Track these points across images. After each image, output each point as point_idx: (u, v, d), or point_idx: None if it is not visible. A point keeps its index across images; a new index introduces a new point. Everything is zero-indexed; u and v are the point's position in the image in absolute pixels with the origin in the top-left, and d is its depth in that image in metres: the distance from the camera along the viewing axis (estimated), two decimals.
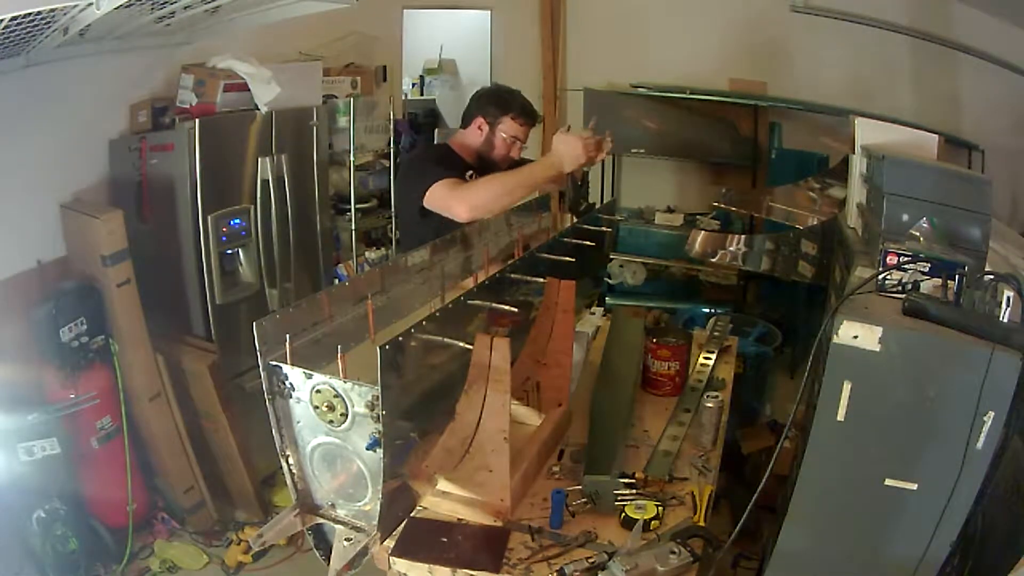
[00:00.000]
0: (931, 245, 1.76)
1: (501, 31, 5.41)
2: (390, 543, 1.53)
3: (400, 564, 1.51)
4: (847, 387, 1.53)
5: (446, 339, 1.46)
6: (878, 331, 1.47)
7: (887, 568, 1.60)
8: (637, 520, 1.56)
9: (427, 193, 2.19)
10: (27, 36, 2.27)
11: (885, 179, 2.01)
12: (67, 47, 2.53)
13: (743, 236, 3.57)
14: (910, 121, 3.36)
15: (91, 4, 2.10)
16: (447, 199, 2.16)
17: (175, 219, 3.00)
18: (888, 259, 1.64)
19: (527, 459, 1.71)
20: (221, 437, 3.09)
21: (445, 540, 1.55)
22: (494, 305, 1.61)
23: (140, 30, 2.77)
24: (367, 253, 4.07)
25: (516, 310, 1.65)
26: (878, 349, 1.48)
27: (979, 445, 1.43)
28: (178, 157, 2.92)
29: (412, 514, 1.60)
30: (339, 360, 1.32)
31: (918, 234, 1.82)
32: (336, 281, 3.66)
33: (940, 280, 1.59)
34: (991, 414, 1.41)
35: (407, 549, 1.52)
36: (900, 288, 1.60)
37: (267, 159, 3.19)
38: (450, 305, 1.52)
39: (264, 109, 3.17)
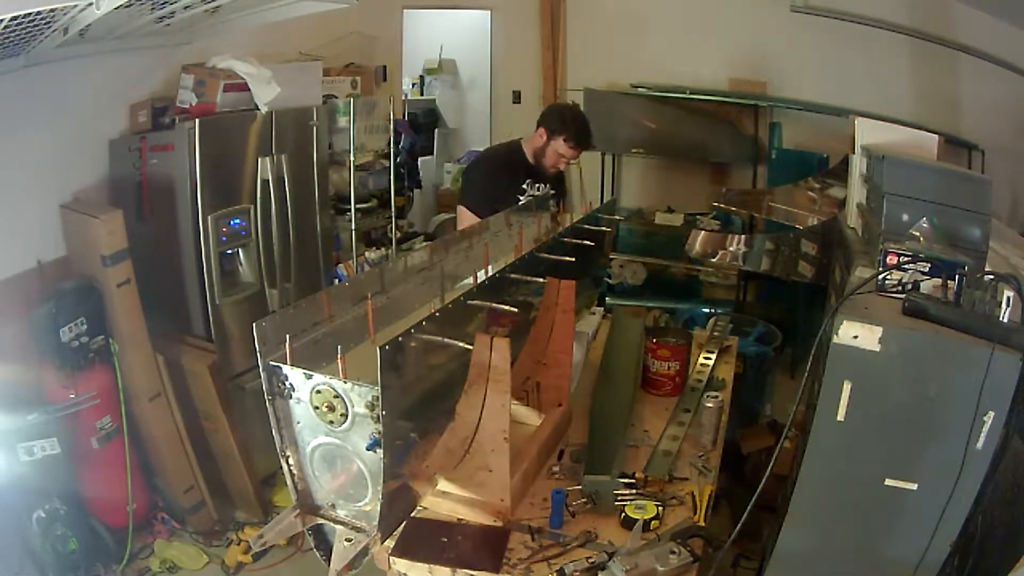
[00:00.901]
0: (931, 245, 1.76)
1: (501, 31, 5.41)
2: (390, 543, 1.53)
3: (400, 564, 1.52)
4: (847, 387, 1.53)
5: (446, 339, 1.46)
6: (878, 331, 1.47)
7: (887, 568, 1.59)
8: (637, 520, 1.56)
9: (457, 203, 2.87)
10: (27, 36, 2.27)
11: (885, 179, 2.01)
12: (67, 47, 2.53)
13: (743, 236, 3.56)
14: (910, 121, 3.36)
15: (91, 4, 2.10)
16: (458, 221, 2.82)
17: (175, 219, 3.00)
18: (888, 259, 1.64)
19: (527, 459, 1.71)
20: (221, 437, 3.09)
21: (445, 540, 1.55)
22: (494, 305, 1.61)
23: (140, 30, 2.76)
24: (367, 253, 4.06)
25: (516, 310, 1.65)
26: (878, 349, 1.48)
27: (979, 445, 1.43)
28: (178, 157, 2.91)
29: (412, 514, 1.60)
30: (339, 360, 1.32)
31: (918, 234, 1.82)
32: (336, 281, 3.66)
33: (940, 280, 1.59)
34: (991, 414, 1.41)
35: (407, 549, 1.53)
36: (900, 288, 1.60)
37: (267, 159, 3.19)
38: (450, 305, 1.52)
39: (264, 109, 3.17)
